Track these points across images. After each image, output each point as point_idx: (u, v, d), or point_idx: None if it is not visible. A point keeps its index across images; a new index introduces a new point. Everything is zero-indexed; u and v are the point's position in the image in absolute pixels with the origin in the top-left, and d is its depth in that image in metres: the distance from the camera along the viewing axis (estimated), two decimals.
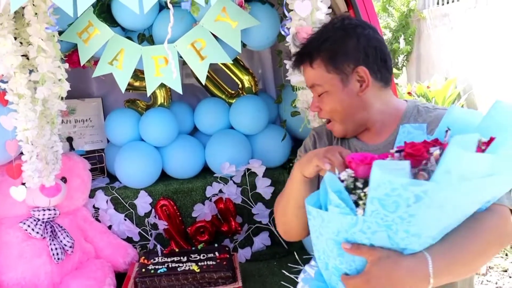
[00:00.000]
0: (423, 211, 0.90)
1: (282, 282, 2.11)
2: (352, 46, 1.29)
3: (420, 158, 0.92)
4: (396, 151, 0.98)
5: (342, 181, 0.99)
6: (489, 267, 3.75)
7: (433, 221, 0.95)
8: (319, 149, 1.22)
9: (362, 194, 0.96)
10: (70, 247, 2.02)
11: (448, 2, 6.08)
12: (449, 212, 0.94)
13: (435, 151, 0.93)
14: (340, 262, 1.04)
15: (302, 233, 1.37)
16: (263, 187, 2.51)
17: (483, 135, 0.95)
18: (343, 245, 1.00)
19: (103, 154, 2.66)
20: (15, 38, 1.67)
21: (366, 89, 1.30)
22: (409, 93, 5.60)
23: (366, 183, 0.97)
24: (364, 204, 0.95)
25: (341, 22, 1.34)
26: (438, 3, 6.32)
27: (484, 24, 5.17)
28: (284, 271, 2.14)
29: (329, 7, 1.91)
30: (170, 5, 1.48)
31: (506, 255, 3.84)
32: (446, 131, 1.02)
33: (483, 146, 0.93)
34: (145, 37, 2.21)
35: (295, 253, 2.25)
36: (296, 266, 2.20)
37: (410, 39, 6.66)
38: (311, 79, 1.36)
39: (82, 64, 2.11)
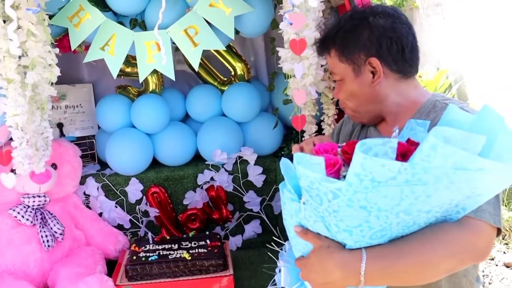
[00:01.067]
0: (345, 209, 0.91)
1: (272, 272, 2.12)
2: (365, 37, 1.27)
3: (350, 157, 0.92)
4: (339, 146, 1.01)
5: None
6: None
7: (360, 221, 0.93)
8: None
9: None
10: (61, 234, 2.00)
11: None
12: (376, 213, 0.91)
13: None
14: (296, 242, 1.09)
15: None
16: (255, 175, 2.51)
17: None
18: (295, 227, 1.05)
19: (94, 140, 2.64)
20: (4, 22, 1.64)
21: (378, 80, 1.28)
22: None
23: None
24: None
25: (360, 11, 1.32)
26: None
27: (476, 15, 5.17)
28: (275, 259, 2.14)
29: None
30: None
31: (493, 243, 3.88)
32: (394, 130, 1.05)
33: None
34: (138, 23, 2.19)
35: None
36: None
37: None
38: (330, 66, 1.38)
39: (73, 49, 2.08)
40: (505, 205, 4.31)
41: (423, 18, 6.25)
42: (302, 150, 1.41)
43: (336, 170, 0.92)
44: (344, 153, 0.95)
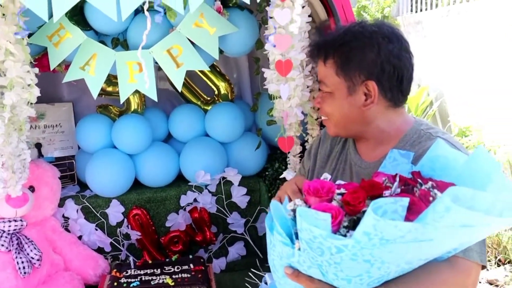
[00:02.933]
0: (348, 262, 0.89)
1: None
2: (370, 58, 1.22)
3: (355, 209, 0.91)
4: (338, 194, 0.97)
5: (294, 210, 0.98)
6: None
7: (361, 271, 0.92)
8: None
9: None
10: (38, 260, 1.93)
11: (421, 10, 6.16)
12: (379, 265, 0.91)
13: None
14: (285, 282, 1.06)
15: None
16: (239, 196, 2.47)
17: (464, 181, 0.93)
18: (285, 269, 1.01)
19: (73, 161, 2.57)
20: None
21: (370, 104, 1.25)
22: None
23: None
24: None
25: (370, 29, 1.25)
26: (412, 11, 6.40)
27: (456, 33, 5.25)
28: (259, 282, 2.10)
29: (309, 15, 1.89)
30: (147, 13, 1.42)
31: None
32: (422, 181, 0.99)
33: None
34: (119, 42, 2.15)
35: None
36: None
37: None
38: (321, 74, 1.31)
39: (52, 69, 2.03)
40: None
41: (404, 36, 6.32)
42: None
43: (338, 223, 0.89)
44: (346, 204, 0.92)
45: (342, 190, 0.97)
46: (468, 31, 5.03)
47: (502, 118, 4.48)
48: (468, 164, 0.97)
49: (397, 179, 0.98)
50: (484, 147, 0.97)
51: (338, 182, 1.05)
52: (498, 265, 3.82)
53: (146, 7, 1.26)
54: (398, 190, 0.96)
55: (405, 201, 0.85)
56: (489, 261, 3.88)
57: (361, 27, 1.26)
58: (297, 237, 0.95)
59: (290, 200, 1.05)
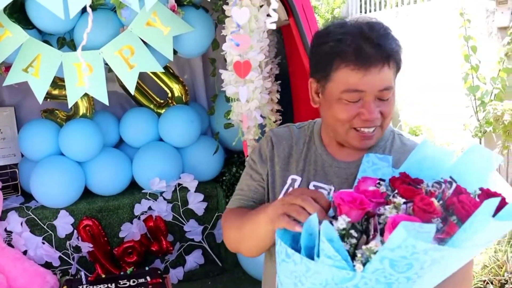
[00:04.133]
0: (432, 272, 0.84)
1: None
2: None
3: (431, 215, 0.85)
4: (404, 202, 0.88)
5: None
6: None
7: (434, 279, 0.89)
8: (284, 199, 1.05)
9: (364, 248, 0.85)
10: None
11: (370, 11, 6.25)
12: (451, 270, 0.90)
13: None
14: None
15: (255, 255, 1.26)
16: (196, 202, 2.38)
17: (456, 178, 0.90)
18: None
19: (16, 170, 2.41)
20: None
21: None
22: None
23: (356, 228, 0.87)
24: (362, 256, 0.85)
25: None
26: (361, 12, 6.47)
27: (404, 34, 5.34)
28: None
29: (268, 15, 1.83)
30: (89, 9, 1.32)
31: None
32: (450, 182, 0.94)
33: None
34: (66, 42, 2.01)
35: None
36: None
37: None
38: (387, 80, 1.14)
39: None
40: None
41: None
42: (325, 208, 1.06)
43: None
44: (422, 212, 0.85)
45: (400, 198, 0.88)
46: (415, 32, 5.14)
47: (448, 114, 4.60)
48: (463, 160, 0.94)
49: (450, 184, 0.92)
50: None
51: (328, 187, 0.98)
52: None
53: (88, 2, 1.15)
54: (450, 192, 0.91)
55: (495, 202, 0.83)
56: None
57: (387, 26, 1.18)
58: (352, 258, 0.86)
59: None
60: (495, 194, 0.88)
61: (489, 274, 3.48)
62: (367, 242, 0.85)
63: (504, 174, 3.88)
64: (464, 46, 4.03)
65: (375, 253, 0.83)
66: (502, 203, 0.86)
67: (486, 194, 0.89)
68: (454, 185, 0.91)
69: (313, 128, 1.31)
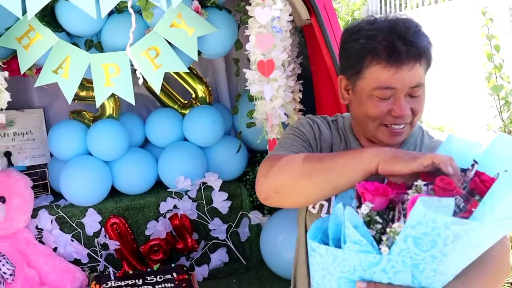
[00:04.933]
0: (457, 249, 0.84)
1: None
2: None
3: (452, 194, 0.86)
4: (425, 184, 0.89)
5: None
6: None
7: (463, 260, 0.89)
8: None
9: (388, 230, 0.87)
10: (11, 275, 1.83)
11: (391, 12, 6.22)
12: (479, 249, 0.89)
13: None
14: None
15: (302, 203, 1.17)
16: (220, 201, 2.41)
17: (484, 169, 0.90)
18: (359, 284, 0.91)
19: (46, 169, 2.47)
20: None
21: None
22: None
23: (381, 216, 0.89)
24: (388, 240, 0.86)
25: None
26: (380, 13, 6.45)
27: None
28: None
29: (290, 15, 1.85)
30: (131, 10, 1.36)
31: None
32: (473, 164, 0.94)
33: None
34: (93, 44, 2.06)
35: None
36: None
37: None
38: (419, 78, 1.15)
39: (22, 73, 1.93)
40: None
41: None
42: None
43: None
44: (444, 190, 0.86)
45: (420, 181, 0.89)
46: (437, 33, 5.10)
47: (471, 114, 4.56)
48: (491, 150, 0.94)
49: (472, 172, 0.93)
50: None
51: None
52: None
53: (130, 4, 1.19)
54: (472, 173, 0.92)
55: None
56: None
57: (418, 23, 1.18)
58: (377, 242, 0.87)
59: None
60: None
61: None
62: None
63: None
64: (486, 45, 3.98)
65: (399, 234, 0.84)
66: None
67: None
68: (476, 166, 0.92)
69: (344, 123, 1.31)
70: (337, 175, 1.03)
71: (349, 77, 1.19)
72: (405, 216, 0.86)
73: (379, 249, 0.86)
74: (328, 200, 1.23)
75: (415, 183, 0.89)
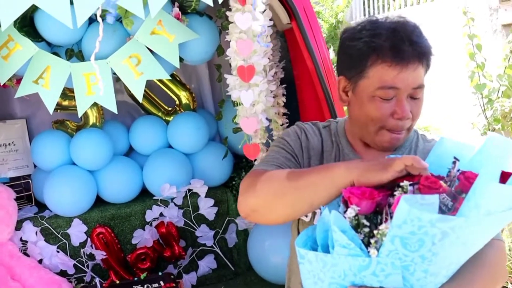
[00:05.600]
0: (447, 248, 0.84)
1: None
2: None
3: (438, 191, 0.86)
4: (410, 184, 0.90)
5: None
6: None
7: (453, 259, 0.90)
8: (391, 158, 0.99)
9: (375, 232, 0.87)
10: None
11: (374, 14, 6.27)
12: (469, 248, 0.90)
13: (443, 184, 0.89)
14: None
15: (280, 221, 1.13)
16: (206, 207, 2.40)
17: (475, 169, 0.91)
18: None
19: (29, 180, 2.44)
20: None
21: None
22: None
23: (369, 220, 0.89)
24: (376, 243, 0.86)
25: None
26: (364, 15, 6.50)
27: None
28: None
29: (270, 19, 1.86)
30: (99, 19, 1.35)
31: None
32: (454, 162, 0.95)
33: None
34: (74, 53, 2.05)
35: None
36: None
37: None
38: (421, 79, 1.15)
39: (2, 84, 1.91)
40: None
41: None
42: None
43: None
44: (425, 189, 0.87)
45: (406, 182, 0.89)
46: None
47: (456, 114, 4.59)
48: (482, 151, 0.95)
49: (455, 169, 0.94)
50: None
51: None
52: None
53: (99, 12, 1.19)
54: (455, 171, 0.93)
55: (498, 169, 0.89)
56: None
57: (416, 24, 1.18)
58: (366, 245, 0.87)
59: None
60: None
61: None
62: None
63: None
64: (468, 44, 4.02)
65: (386, 235, 0.84)
66: (508, 174, 0.88)
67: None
68: (457, 163, 0.92)
69: (337, 128, 1.30)
70: (309, 194, 1.03)
71: (350, 77, 1.17)
72: (392, 217, 0.86)
73: (368, 252, 0.86)
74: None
75: (401, 184, 0.89)
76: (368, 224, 0.89)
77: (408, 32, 1.10)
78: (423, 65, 1.12)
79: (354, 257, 0.87)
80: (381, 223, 0.89)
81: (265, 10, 1.82)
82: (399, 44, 1.08)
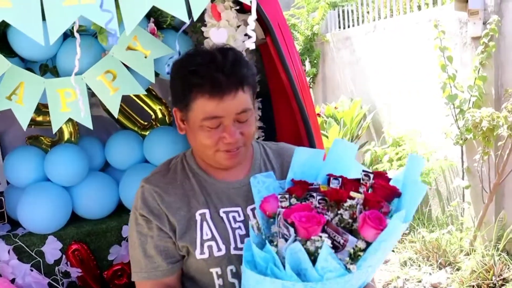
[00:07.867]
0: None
1: None
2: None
3: (379, 206, 1.03)
4: (334, 178, 1.15)
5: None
6: (405, 279, 3.88)
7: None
8: None
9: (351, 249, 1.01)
10: None
11: (349, 26, 6.36)
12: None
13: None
14: None
15: None
16: None
17: (332, 171, 1.13)
18: None
19: (2, 198, 2.40)
20: None
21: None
22: (318, 114, 5.74)
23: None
24: (353, 259, 1.01)
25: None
26: (340, 27, 6.59)
27: (382, 47, 5.46)
28: None
29: (245, 35, 1.88)
30: (76, 34, 1.35)
31: (419, 266, 4.00)
32: (328, 179, 1.14)
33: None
34: (48, 69, 2.04)
35: None
36: None
37: (315, 61, 6.86)
38: (243, 104, 1.24)
39: None
40: (426, 227, 4.48)
41: (334, 52, 6.50)
42: None
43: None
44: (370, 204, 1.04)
45: (349, 201, 1.05)
46: (392, 46, 5.25)
47: (429, 124, 4.69)
48: (332, 155, 1.19)
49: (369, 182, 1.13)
50: (416, 154, 1.11)
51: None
52: (440, 268, 3.94)
53: (76, 27, 1.19)
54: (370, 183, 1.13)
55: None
56: (431, 265, 4.00)
57: (237, 51, 1.32)
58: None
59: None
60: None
61: (478, 279, 3.53)
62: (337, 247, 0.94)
63: (486, 180, 3.95)
64: (440, 56, 4.12)
65: (362, 250, 0.95)
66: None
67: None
68: (371, 176, 1.11)
69: (187, 157, 1.43)
70: None
71: (180, 109, 1.29)
72: (351, 231, 0.98)
73: (348, 269, 0.98)
74: (213, 239, 1.28)
75: (346, 203, 1.06)
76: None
77: (224, 63, 1.20)
78: (244, 91, 1.23)
79: (340, 277, 0.98)
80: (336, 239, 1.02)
81: (239, 26, 1.84)
82: (215, 76, 1.18)
